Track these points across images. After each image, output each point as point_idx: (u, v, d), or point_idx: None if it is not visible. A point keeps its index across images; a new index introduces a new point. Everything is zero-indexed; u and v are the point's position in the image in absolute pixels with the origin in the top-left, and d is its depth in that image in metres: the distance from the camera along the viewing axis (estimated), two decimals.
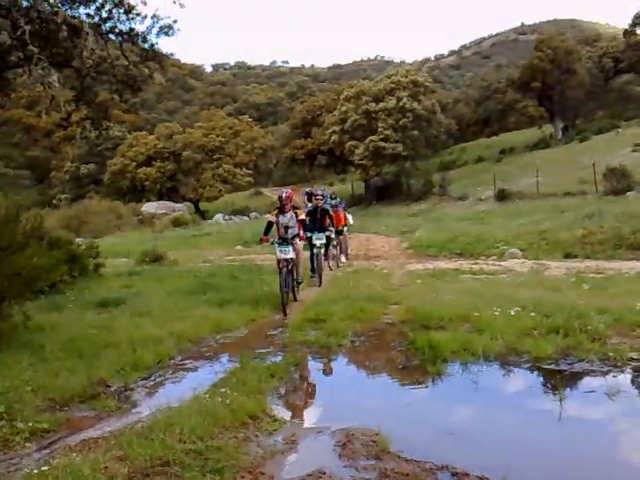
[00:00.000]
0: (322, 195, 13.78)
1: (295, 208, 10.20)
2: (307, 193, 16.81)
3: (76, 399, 5.31)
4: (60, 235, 12.98)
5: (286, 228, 9.92)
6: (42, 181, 61.86)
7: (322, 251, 13.04)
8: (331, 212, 13.06)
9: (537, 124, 54.46)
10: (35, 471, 3.57)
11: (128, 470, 3.68)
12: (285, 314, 9.04)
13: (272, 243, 9.83)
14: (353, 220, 17.67)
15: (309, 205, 13.56)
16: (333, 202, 15.97)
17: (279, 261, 9.60)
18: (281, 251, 9.64)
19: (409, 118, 40.66)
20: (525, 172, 32.07)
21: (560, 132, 49.79)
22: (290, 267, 9.79)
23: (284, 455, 4.14)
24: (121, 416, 4.98)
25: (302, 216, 10.20)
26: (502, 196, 29.25)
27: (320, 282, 12.40)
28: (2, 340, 6.37)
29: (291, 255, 9.71)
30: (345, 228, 16.60)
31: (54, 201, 51.55)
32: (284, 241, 9.74)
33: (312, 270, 12.72)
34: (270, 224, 10.08)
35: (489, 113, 57.35)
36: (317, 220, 12.72)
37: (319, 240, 12.80)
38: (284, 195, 10.04)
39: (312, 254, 12.76)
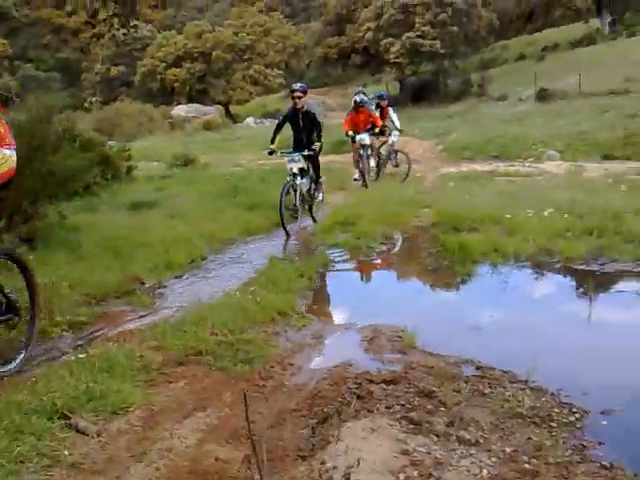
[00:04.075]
0: (361, 95, 12.42)
1: None
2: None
3: (112, 295, 5.47)
4: (92, 137, 13.00)
5: None
6: (73, 84, 61.37)
7: (369, 152, 11.89)
8: (318, 120, 8.74)
9: (584, 18, 51.28)
10: (73, 358, 3.75)
11: (162, 358, 3.84)
12: None
13: None
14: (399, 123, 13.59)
15: (288, 108, 9.10)
16: (362, 98, 12.41)
17: None
18: None
19: (448, 12, 38.68)
20: (568, 70, 30.51)
21: (607, 26, 46.87)
22: None
23: (312, 348, 4.26)
24: (155, 311, 5.14)
25: None
26: (543, 96, 28.11)
27: (366, 184, 11.64)
28: (39, 239, 6.53)
29: None
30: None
31: (85, 104, 51.32)
32: None
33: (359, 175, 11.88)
34: None
35: (533, 7, 54.12)
36: (301, 130, 8.65)
37: (363, 141, 11.71)
38: None
39: (360, 156, 11.77)
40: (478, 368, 3.74)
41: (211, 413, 3.19)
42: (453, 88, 38.67)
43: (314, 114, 8.74)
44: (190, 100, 46.29)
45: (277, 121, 9.30)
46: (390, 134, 12.98)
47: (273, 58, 47.19)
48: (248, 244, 7.80)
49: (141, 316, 5.00)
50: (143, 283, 5.90)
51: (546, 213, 7.52)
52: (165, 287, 5.95)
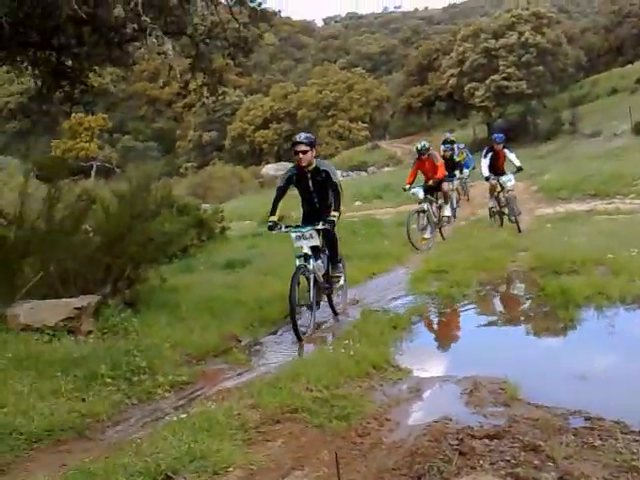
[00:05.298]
0: (422, 148, 11.07)
1: None
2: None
3: (210, 353, 5.62)
4: (188, 202, 13.69)
5: None
6: (169, 151, 65.17)
7: (425, 207, 10.87)
8: (335, 180, 6.51)
9: None
10: (175, 419, 3.84)
11: (260, 416, 3.86)
12: None
13: None
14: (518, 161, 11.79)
15: (289, 168, 6.96)
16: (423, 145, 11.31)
17: None
18: None
19: (532, 53, 38.23)
20: None
21: None
22: None
23: (409, 403, 4.15)
24: (251, 368, 5.22)
25: None
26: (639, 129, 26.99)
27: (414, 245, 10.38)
28: (141, 302, 6.84)
29: None
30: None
31: (181, 170, 54.24)
32: None
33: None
34: None
35: (622, 40, 52.56)
36: (312, 195, 6.66)
37: (416, 196, 10.86)
38: None
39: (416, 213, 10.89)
40: (587, 419, 3.52)
41: (309, 473, 3.15)
42: (543, 127, 37.76)
43: (327, 172, 6.48)
44: (279, 159, 47.94)
45: (278, 184, 6.92)
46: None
47: (357, 112, 48.31)
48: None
49: (238, 374, 5.09)
50: (239, 341, 6.03)
51: None
52: (260, 344, 6.05)
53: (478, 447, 3.23)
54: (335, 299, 6.91)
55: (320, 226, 6.31)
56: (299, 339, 5.84)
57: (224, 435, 3.49)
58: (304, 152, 6.30)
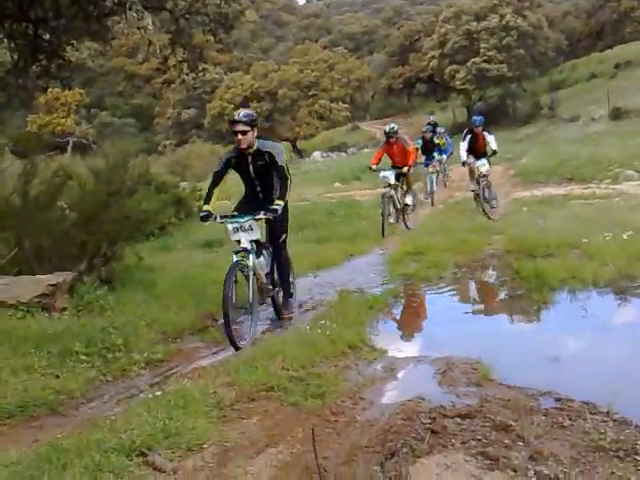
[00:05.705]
0: (390, 130, 10.59)
1: None
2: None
3: (186, 332, 5.64)
4: (166, 180, 13.57)
5: None
6: (147, 128, 64.26)
7: (391, 193, 10.39)
8: (281, 163, 5.59)
9: None
10: (150, 396, 3.84)
11: (235, 394, 3.87)
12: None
13: None
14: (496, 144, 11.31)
15: (229, 150, 6.17)
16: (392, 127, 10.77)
17: None
18: None
19: (513, 36, 38.28)
20: None
21: None
22: None
23: (384, 382, 4.19)
24: (227, 347, 5.22)
25: None
26: (617, 115, 27.24)
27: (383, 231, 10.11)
28: (117, 280, 6.79)
29: None
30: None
31: (159, 147, 53.57)
32: None
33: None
34: None
35: (602, 25, 52.82)
36: (253, 181, 5.83)
37: (387, 179, 10.39)
38: None
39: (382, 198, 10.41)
40: (557, 400, 3.59)
41: (283, 449, 3.18)
42: (522, 111, 37.99)
43: (271, 154, 5.59)
44: (258, 138, 47.48)
45: (215, 169, 5.96)
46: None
47: (338, 92, 47.98)
48: (317, 277, 7.81)
49: (214, 352, 5.12)
50: (216, 319, 6.02)
51: (625, 236, 7.22)
52: (237, 323, 6.04)
53: (450, 426, 3.28)
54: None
55: (261, 215, 5.41)
56: (235, 347, 5.02)
57: (199, 412, 3.50)
58: (244, 132, 5.45)
